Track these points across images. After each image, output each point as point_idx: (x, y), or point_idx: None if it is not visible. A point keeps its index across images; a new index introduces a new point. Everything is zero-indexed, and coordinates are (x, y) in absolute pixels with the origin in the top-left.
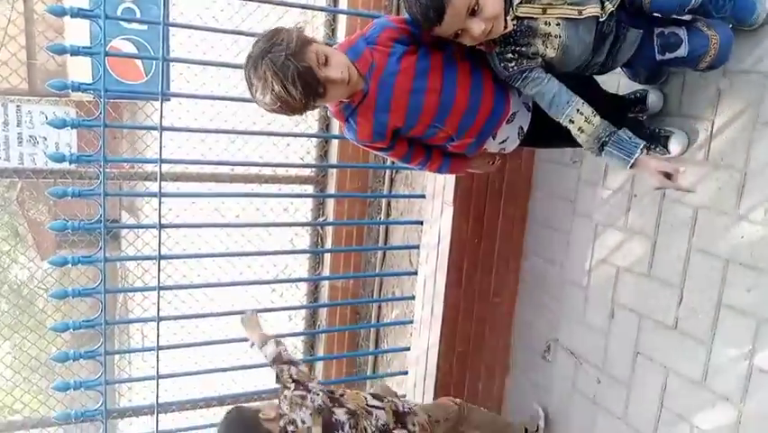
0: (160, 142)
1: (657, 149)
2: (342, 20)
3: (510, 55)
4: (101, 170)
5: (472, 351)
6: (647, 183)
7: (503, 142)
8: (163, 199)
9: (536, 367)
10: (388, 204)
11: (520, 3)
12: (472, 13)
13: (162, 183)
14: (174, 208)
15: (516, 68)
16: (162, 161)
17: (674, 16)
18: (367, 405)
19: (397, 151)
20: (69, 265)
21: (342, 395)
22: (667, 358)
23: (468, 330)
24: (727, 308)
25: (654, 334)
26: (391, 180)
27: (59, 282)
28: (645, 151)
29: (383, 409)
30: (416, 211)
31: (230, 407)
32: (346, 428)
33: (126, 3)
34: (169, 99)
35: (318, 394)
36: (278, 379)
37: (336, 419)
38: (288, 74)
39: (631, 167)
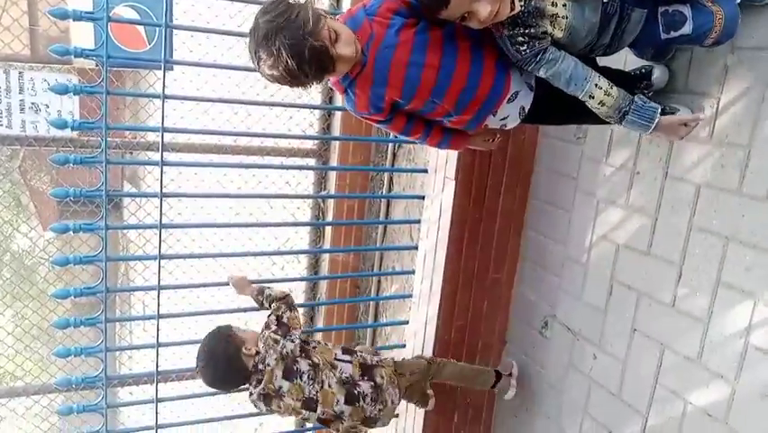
0: (162, 111)
1: (642, 85)
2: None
3: (521, 38)
4: (103, 137)
5: (470, 325)
6: (651, 156)
7: (504, 119)
8: (165, 170)
9: (533, 343)
10: (390, 178)
11: None
12: None
13: (165, 153)
14: (176, 179)
15: (528, 51)
16: (165, 129)
17: None
18: (335, 359)
19: (396, 124)
20: (71, 232)
21: (314, 348)
22: (664, 336)
23: (466, 305)
24: (726, 287)
25: (652, 311)
26: (394, 155)
27: (61, 251)
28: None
29: (350, 362)
30: (417, 186)
31: None
32: (305, 377)
33: None
34: (171, 68)
35: (293, 342)
36: (270, 315)
37: (297, 368)
38: (306, 52)
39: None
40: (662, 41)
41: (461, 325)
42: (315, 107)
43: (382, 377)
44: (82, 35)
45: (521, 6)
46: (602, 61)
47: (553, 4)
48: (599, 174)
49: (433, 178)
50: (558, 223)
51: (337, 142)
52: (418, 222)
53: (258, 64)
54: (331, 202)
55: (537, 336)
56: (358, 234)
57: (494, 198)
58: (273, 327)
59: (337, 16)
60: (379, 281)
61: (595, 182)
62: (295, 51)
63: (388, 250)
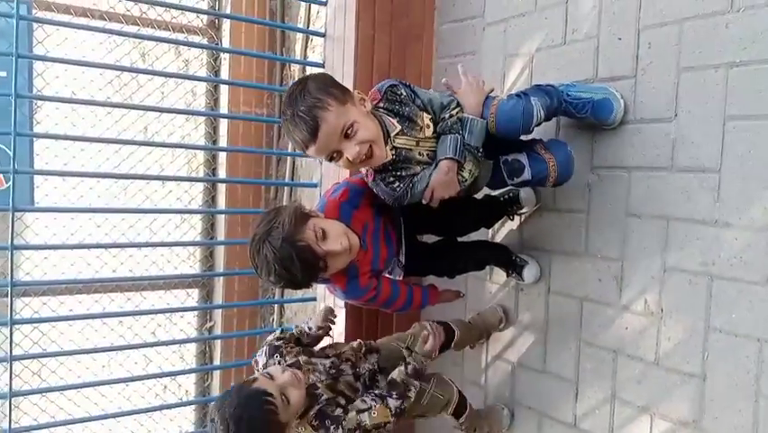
0: (11, 264)
1: (513, 275)
2: (224, 121)
3: (392, 179)
4: None
5: None
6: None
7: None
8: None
9: None
10: (281, 307)
11: (396, 135)
12: (346, 136)
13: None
14: (31, 334)
15: (401, 185)
16: (14, 284)
17: (522, 137)
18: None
19: (384, 291)
20: None
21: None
22: None
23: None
24: (622, 402)
25: (555, 432)
26: None
27: None
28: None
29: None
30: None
31: None
32: None
33: None
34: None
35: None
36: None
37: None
38: (291, 255)
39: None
40: (510, 185)
41: None
42: (193, 244)
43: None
44: None
45: (393, 155)
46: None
47: (419, 154)
48: (486, 292)
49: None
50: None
51: (221, 269)
52: None
53: (258, 273)
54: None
55: None
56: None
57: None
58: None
59: (321, 214)
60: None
61: (482, 299)
62: (280, 256)
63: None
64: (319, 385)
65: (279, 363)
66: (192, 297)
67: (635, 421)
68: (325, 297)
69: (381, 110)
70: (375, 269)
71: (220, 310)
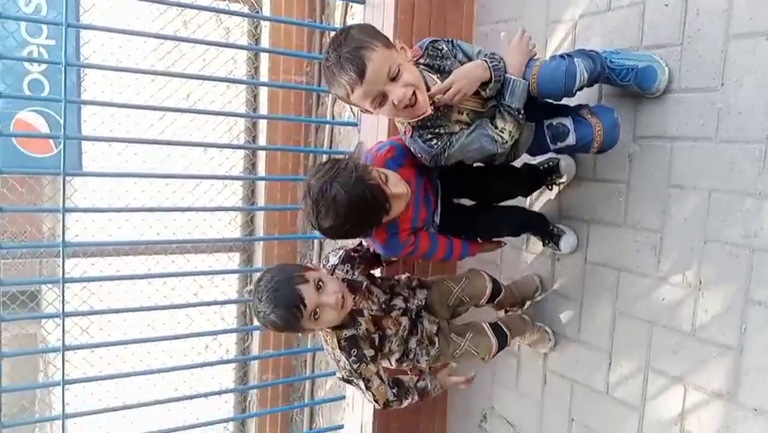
0: (63, 226)
1: (550, 244)
2: (264, 88)
3: (430, 136)
4: None
5: (408, 425)
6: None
7: None
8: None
9: None
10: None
11: None
12: (392, 80)
13: (78, 260)
14: (81, 293)
15: (439, 143)
16: (66, 244)
17: (565, 102)
18: None
19: (422, 245)
20: None
21: None
22: (601, 425)
23: None
24: (656, 372)
25: (587, 400)
26: (321, 244)
27: None
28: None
29: None
30: None
31: None
32: None
33: (33, 74)
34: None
35: None
36: None
37: None
38: (363, 193)
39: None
40: (553, 150)
41: (397, 427)
42: (237, 209)
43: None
44: None
45: (431, 111)
46: None
47: (459, 112)
48: (521, 260)
49: None
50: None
51: (261, 233)
52: None
53: (317, 221)
54: None
55: (477, 431)
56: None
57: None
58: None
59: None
60: (312, 383)
61: (517, 268)
62: (352, 194)
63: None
64: (365, 314)
65: (347, 272)
66: (233, 261)
67: (669, 391)
68: None
69: (422, 66)
70: (414, 226)
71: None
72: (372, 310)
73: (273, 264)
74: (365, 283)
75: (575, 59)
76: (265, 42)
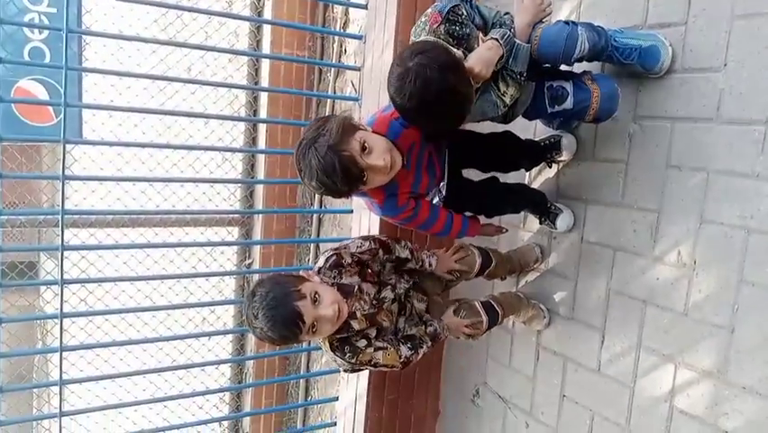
0: (62, 194)
1: (546, 222)
2: (266, 62)
3: None
4: None
5: (402, 398)
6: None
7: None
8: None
9: (466, 412)
10: (317, 247)
11: None
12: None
13: (77, 230)
14: (87, 255)
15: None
16: (65, 212)
17: (564, 67)
18: None
19: (422, 213)
20: None
21: None
22: (592, 402)
23: (397, 376)
24: (647, 350)
25: (579, 377)
26: (319, 220)
27: None
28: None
29: None
30: None
31: None
32: None
33: (34, 42)
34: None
35: None
36: None
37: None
38: (334, 164)
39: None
40: (549, 113)
41: (392, 399)
42: (235, 181)
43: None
44: None
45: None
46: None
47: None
48: (518, 238)
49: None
50: (484, 288)
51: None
52: None
53: (301, 177)
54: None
55: (470, 406)
56: None
57: None
58: None
59: (371, 127)
60: (309, 354)
61: (514, 246)
62: (323, 163)
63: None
64: (358, 315)
65: (334, 278)
66: (232, 234)
67: (660, 369)
68: (362, 213)
69: (442, 34)
70: (415, 191)
71: (258, 248)
72: (365, 310)
73: (265, 276)
74: (356, 286)
75: (579, 28)
76: (267, 16)
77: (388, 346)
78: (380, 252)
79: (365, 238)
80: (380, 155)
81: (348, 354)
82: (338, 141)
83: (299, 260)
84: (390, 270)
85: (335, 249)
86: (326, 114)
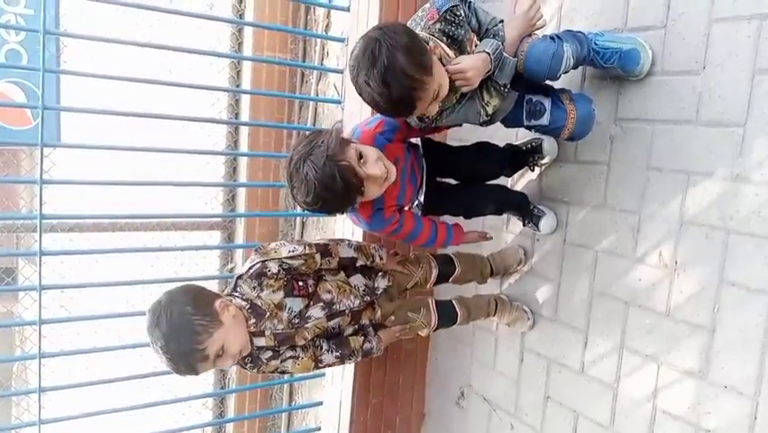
0: (40, 198)
1: (530, 225)
2: (247, 66)
3: None
4: None
5: (386, 402)
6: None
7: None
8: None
9: (451, 414)
10: None
11: None
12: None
13: (56, 235)
14: (58, 269)
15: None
16: (43, 216)
17: (548, 82)
18: None
19: (406, 225)
20: None
21: None
22: (576, 403)
23: (381, 380)
24: (630, 351)
25: (563, 378)
26: (303, 223)
27: None
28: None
29: None
30: None
31: None
32: None
33: (10, 44)
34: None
35: None
36: None
37: None
38: (334, 173)
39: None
40: (525, 126)
41: (377, 402)
42: (218, 185)
43: None
44: None
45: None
46: (493, 138)
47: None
48: (501, 240)
49: None
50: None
51: (243, 211)
52: None
53: (293, 194)
54: None
55: (455, 408)
56: None
57: None
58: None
59: (357, 138)
60: None
61: (497, 249)
62: (322, 175)
63: None
64: (266, 333)
65: (254, 288)
66: (214, 238)
67: (642, 370)
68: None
69: (437, 32)
70: (400, 204)
71: (241, 252)
72: (276, 329)
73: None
74: (268, 313)
75: (564, 45)
76: (249, 18)
77: (301, 355)
78: (317, 256)
79: (300, 243)
80: (377, 165)
81: (249, 365)
82: (336, 151)
83: None
84: (343, 281)
85: (263, 257)
86: (309, 117)
